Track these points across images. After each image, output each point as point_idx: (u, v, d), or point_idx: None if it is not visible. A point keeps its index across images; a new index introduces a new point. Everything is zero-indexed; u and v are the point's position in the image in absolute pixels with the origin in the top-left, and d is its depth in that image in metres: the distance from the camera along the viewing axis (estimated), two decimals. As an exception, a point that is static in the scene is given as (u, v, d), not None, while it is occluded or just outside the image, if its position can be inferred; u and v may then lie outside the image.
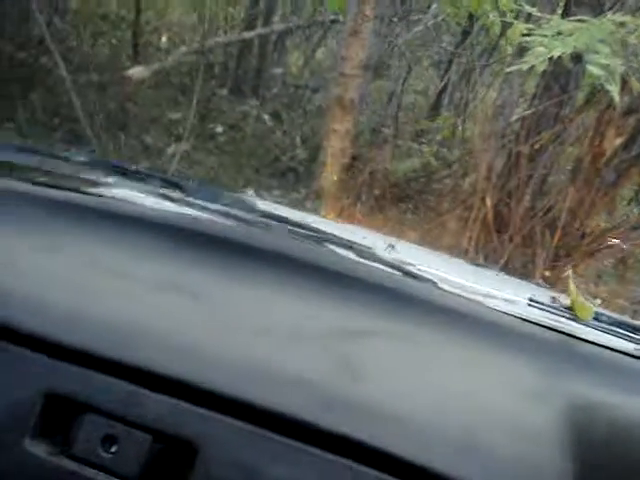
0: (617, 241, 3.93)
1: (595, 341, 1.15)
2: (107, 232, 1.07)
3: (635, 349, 1.17)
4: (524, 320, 1.15)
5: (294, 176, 4.89)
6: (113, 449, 0.83)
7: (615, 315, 1.44)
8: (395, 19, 6.10)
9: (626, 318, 1.49)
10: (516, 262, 3.41)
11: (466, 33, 6.91)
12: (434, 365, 0.99)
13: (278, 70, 6.97)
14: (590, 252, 3.51)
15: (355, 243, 1.30)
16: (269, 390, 0.85)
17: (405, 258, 1.34)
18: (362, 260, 1.23)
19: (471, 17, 5.88)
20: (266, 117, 5.67)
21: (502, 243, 3.47)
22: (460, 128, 5.08)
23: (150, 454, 0.82)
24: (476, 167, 3.99)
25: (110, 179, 1.36)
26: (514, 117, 3.88)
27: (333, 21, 6.71)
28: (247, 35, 7.03)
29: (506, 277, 1.84)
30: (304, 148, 5.30)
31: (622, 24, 2.22)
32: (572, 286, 1.32)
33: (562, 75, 3.66)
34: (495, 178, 3.76)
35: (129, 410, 0.83)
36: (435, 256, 1.79)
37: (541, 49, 2.19)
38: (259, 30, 7.09)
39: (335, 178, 4.03)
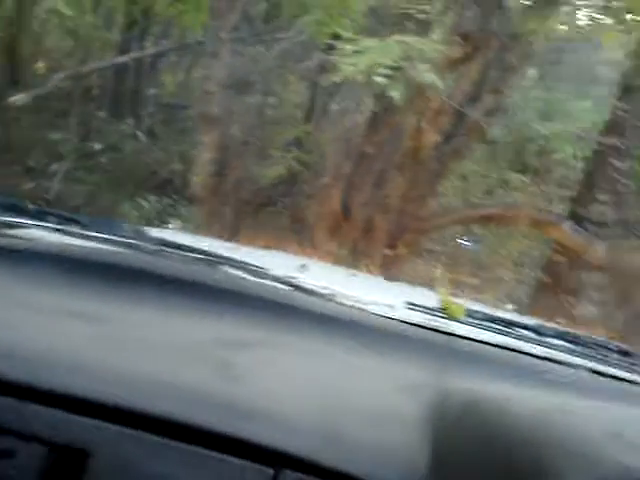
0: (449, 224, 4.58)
1: (464, 335, 1.27)
2: (9, 267, 1.15)
3: (506, 341, 1.30)
4: (401, 322, 1.26)
5: (171, 187, 5.35)
6: (12, 462, 0.86)
7: (488, 310, 1.58)
8: (257, 38, 6.62)
9: (497, 312, 1.64)
10: (360, 245, 3.99)
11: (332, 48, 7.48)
12: (309, 368, 1.07)
13: (153, 91, 7.39)
14: (422, 233, 4.12)
15: (244, 262, 1.40)
16: (151, 397, 0.91)
17: (292, 273, 1.45)
18: (248, 277, 1.34)
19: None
20: (140, 135, 6.10)
21: (349, 230, 4.04)
22: (319, 135, 5.64)
23: (46, 464, 0.86)
24: (328, 168, 4.57)
25: (13, 218, 1.43)
26: (354, 122, 4.48)
27: (200, 43, 7.17)
28: (122, 59, 7.42)
29: (389, 283, 2.04)
30: (179, 161, 5.76)
31: (407, 44, 2.81)
32: (442, 289, 1.44)
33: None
34: (343, 175, 4.35)
35: (25, 425, 0.87)
36: (322, 268, 1.95)
37: (343, 65, 2.75)
38: (133, 54, 7.49)
39: (204, 185, 4.51)
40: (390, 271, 3.95)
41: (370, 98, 4.46)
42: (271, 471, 0.86)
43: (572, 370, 1.25)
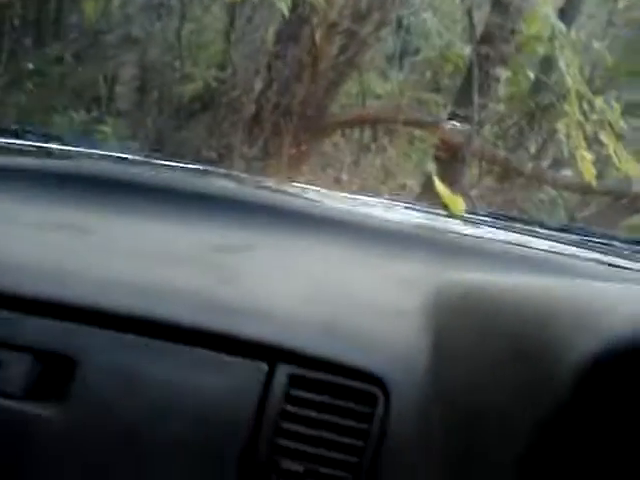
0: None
1: (464, 232, 1.27)
2: None
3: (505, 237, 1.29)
4: (399, 222, 1.27)
5: (97, 104, 5.77)
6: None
7: (491, 209, 1.65)
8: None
9: (500, 210, 1.68)
10: (270, 147, 4.56)
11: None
12: (304, 266, 1.07)
13: (75, 18, 7.69)
14: (322, 133, 4.72)
15: (233, 174, 1.43)
16: (141, 300, 0.88)
17: (284, 186, 1.47)
18: (241, 186, 1.35)
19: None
20: (67, 57, 6.47)
21: (259, 134, 4.60)
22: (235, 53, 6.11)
23: (33, 372, 0.85)
24: (241, 81, 5.10)
25: None
26: (262, 39, 4.99)
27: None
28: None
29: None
30: (104, 81, 6.17)
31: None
32: (439, 184, 1.39)
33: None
34: (253, 86, 4.89)
35: (8, 335, 0.86)
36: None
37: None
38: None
39: (129, 99, 4.99)
40: (296, 168, 4.54)
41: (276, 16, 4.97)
42: (265, 366, 0.84)
43: (578, 261, 1.23)
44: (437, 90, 8.00)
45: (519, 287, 0.91)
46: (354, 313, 0.93)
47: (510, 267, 1.10)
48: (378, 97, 7.87)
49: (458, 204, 1.35)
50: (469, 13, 4.79)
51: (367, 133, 6.10)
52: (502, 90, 5.11)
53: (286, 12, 3.53)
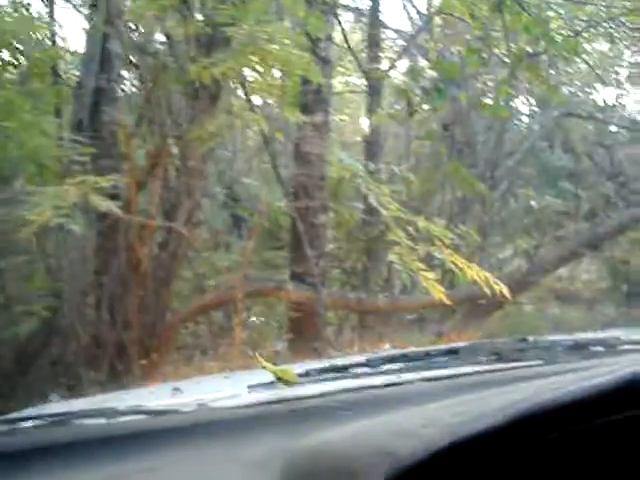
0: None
1: (305, 395, 1.30)
2: None
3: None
4: (244, 407, 1.28)
5: None
6: None
7: (318, 364, 1.61)
8: None
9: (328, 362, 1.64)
10: (117, 365, 4.27)
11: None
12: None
13: None
14: (171, 332, 4.50)
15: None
16: None
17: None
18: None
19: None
20: None
21: (102, 356, 4.32)
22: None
23: None
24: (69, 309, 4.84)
25: None
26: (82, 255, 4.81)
27: None
28: None
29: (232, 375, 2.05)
30: None
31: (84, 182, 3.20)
32: (263, 362, 1.47)
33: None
34: (83, 313, 4.65)
35: None
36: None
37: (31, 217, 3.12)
38: None
39: None
40: (153, 377, 4.25)
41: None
42: None
43: (402, 385, 1.30)
44: (280, 248, 8.02)
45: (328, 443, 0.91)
46: None
47: (354, 417, 1.05)
48: (228, 269, 7.77)
49: (290, 375, 1.39)
50: (275, 169, 4.82)
51: (220, 314, 5.94)
52: (332, 234, 5.10)
53: (78, 231, 3.36)
